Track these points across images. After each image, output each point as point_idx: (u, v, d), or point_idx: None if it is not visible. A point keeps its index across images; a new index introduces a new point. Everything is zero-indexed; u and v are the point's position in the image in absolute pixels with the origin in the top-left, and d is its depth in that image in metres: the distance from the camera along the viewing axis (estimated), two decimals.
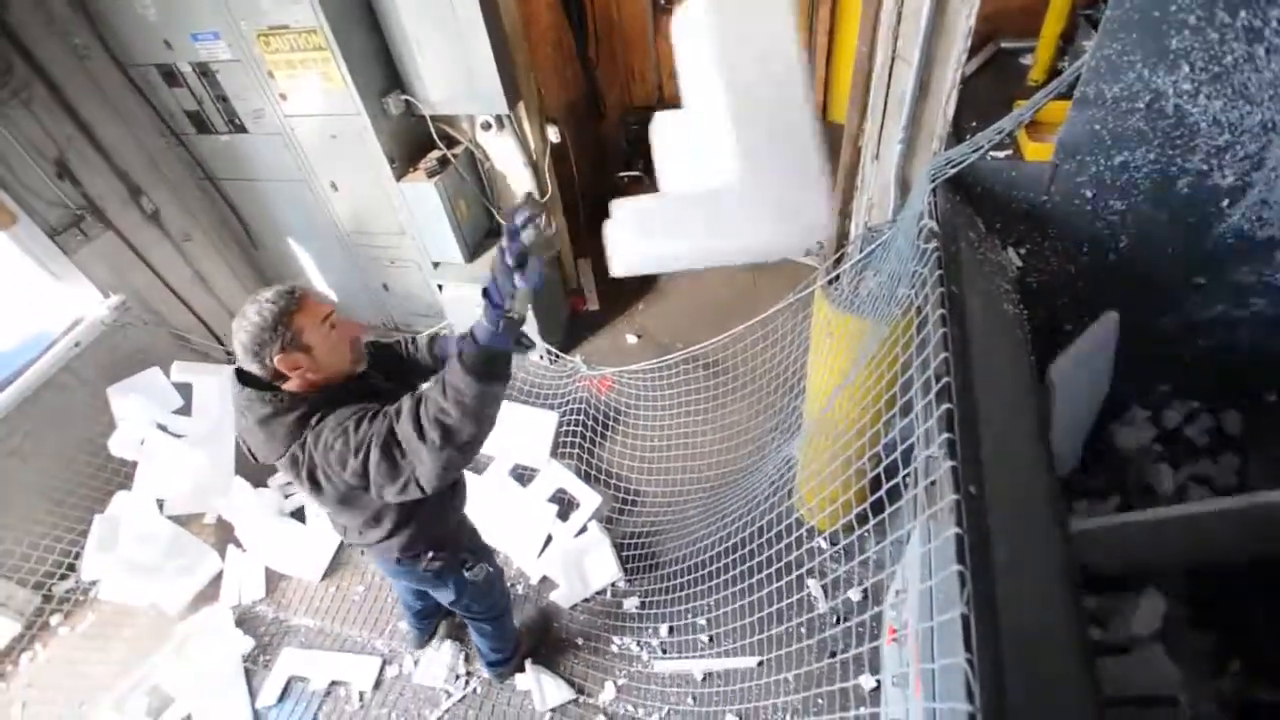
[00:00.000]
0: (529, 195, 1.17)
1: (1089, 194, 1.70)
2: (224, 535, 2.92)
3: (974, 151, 1.61)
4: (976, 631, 0.87)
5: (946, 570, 0.94)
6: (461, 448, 1.16)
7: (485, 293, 1.15)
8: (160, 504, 2.82)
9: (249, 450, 1.42)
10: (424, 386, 1.25)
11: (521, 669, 2.33)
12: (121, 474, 2.91)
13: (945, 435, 1.07)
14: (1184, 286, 1.80)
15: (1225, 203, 1.61)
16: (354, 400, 1.32)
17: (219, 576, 2.80)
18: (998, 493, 1.12)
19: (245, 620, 2.66)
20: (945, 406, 1.10)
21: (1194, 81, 1.45)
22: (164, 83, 2.95)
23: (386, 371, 1.59)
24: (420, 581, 1.79)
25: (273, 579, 2.79)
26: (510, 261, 1.10)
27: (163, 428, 2.81)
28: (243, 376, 1.35)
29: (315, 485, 1.31)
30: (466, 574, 1.80)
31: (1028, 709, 0.91)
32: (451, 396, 1.13)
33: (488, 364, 1.14)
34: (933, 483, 1.11)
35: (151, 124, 3.14)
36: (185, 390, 2.90)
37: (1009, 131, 1.73)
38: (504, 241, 1.11)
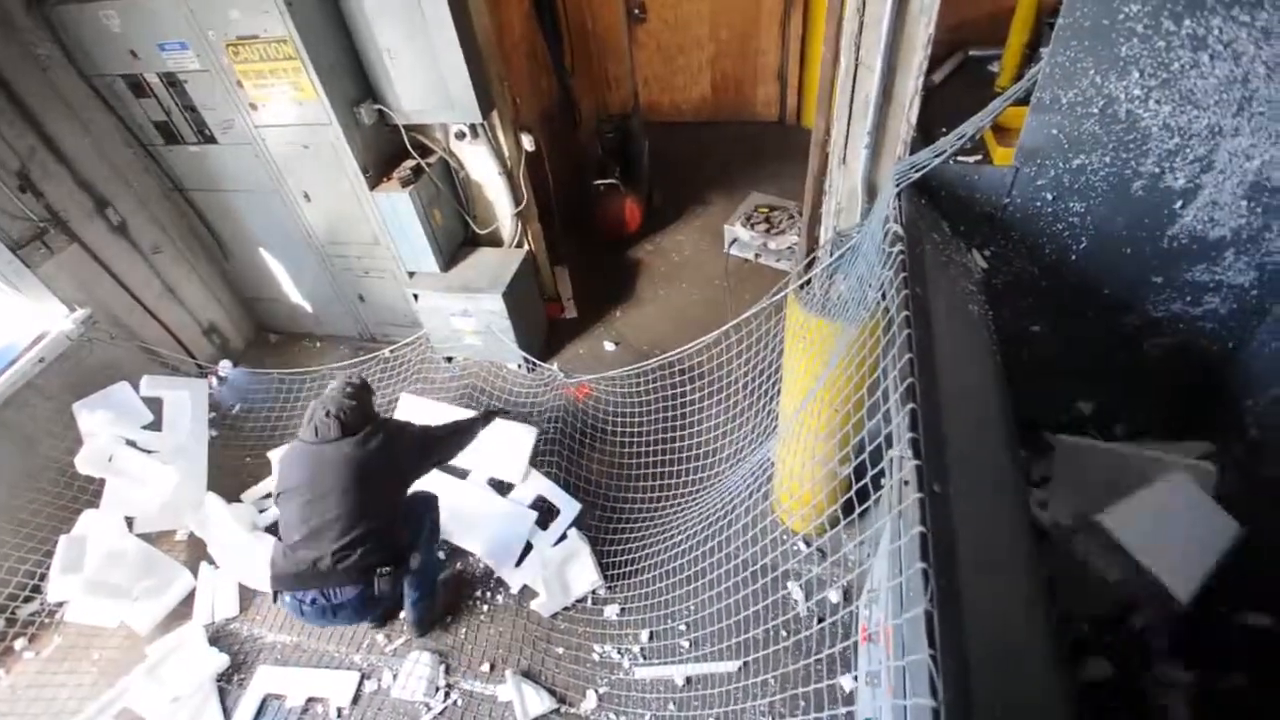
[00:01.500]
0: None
1: (1049, 196, 1.75)
2: (196, 552, 2.87)
3: (936, 156, 1.64)
4: (940, 627, 0.88)
5: (912, 568, 0.96)
6: None
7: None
8: (129, 522, 2.76)
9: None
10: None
11: (440, 621, 2.54)
12: (89, 492, 2.84)
13: (909, 435, 1.09)
14: (1142, 285, 1.85)
15: (1178, 204, 1.66)
16: None
17: (191, 594, 2.74)
18: (964, 490, 1.14)
19: (219, 638, 2.61)
20: (909, 406, 1.12)
21: (1144, 87, 1.50)
22: (131, 93, 2.91)
23: None
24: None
25: (247, 595, 2.74)
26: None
27: (132, 443, 2.76)
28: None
29: None
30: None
31: (994, 703, 0.92)
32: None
33: None
34: (906, 483, 1.12)
35: (118, 135, 3.09)
36: (155, 405, 2.85)
37: (970, 136, 1.76)
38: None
